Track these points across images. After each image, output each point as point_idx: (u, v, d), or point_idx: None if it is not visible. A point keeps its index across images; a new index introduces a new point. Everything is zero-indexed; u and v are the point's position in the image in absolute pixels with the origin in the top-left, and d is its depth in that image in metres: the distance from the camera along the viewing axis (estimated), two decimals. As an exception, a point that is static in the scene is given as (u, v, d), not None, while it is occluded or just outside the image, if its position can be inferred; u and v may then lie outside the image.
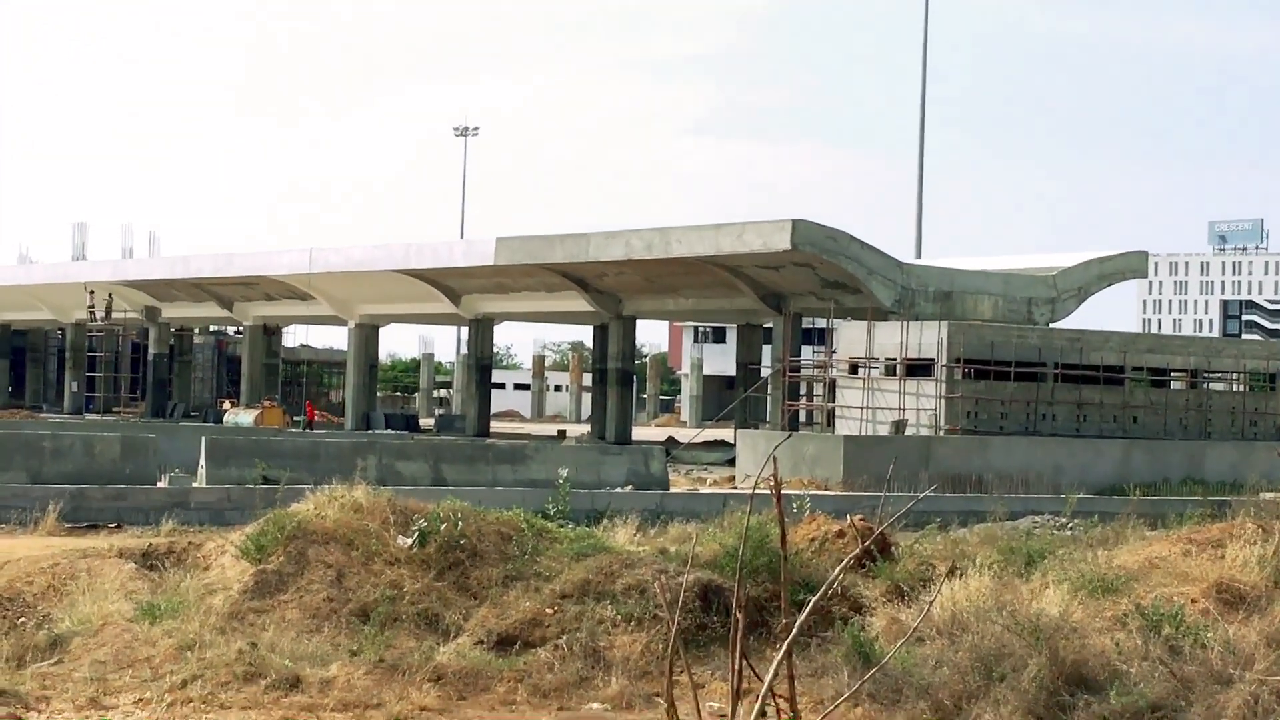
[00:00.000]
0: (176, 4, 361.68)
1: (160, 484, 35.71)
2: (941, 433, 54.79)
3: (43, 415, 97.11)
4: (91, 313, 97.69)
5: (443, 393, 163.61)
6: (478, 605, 19.54)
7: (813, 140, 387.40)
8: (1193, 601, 18.61)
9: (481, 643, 18.53)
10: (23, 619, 19.40)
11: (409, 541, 20.51)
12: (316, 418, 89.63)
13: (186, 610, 19.05)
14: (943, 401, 55.60)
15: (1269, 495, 28.08)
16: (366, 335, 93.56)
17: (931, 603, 17.77)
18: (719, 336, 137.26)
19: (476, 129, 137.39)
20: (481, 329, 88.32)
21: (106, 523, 32.44)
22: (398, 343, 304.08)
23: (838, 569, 8.20)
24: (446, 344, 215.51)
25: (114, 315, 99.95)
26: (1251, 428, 62.77)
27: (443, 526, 20.58)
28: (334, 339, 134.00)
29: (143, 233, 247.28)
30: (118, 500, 33.69)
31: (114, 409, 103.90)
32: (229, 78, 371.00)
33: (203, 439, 38.82)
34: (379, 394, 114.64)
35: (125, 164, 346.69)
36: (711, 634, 18.67)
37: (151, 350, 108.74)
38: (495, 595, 19.62)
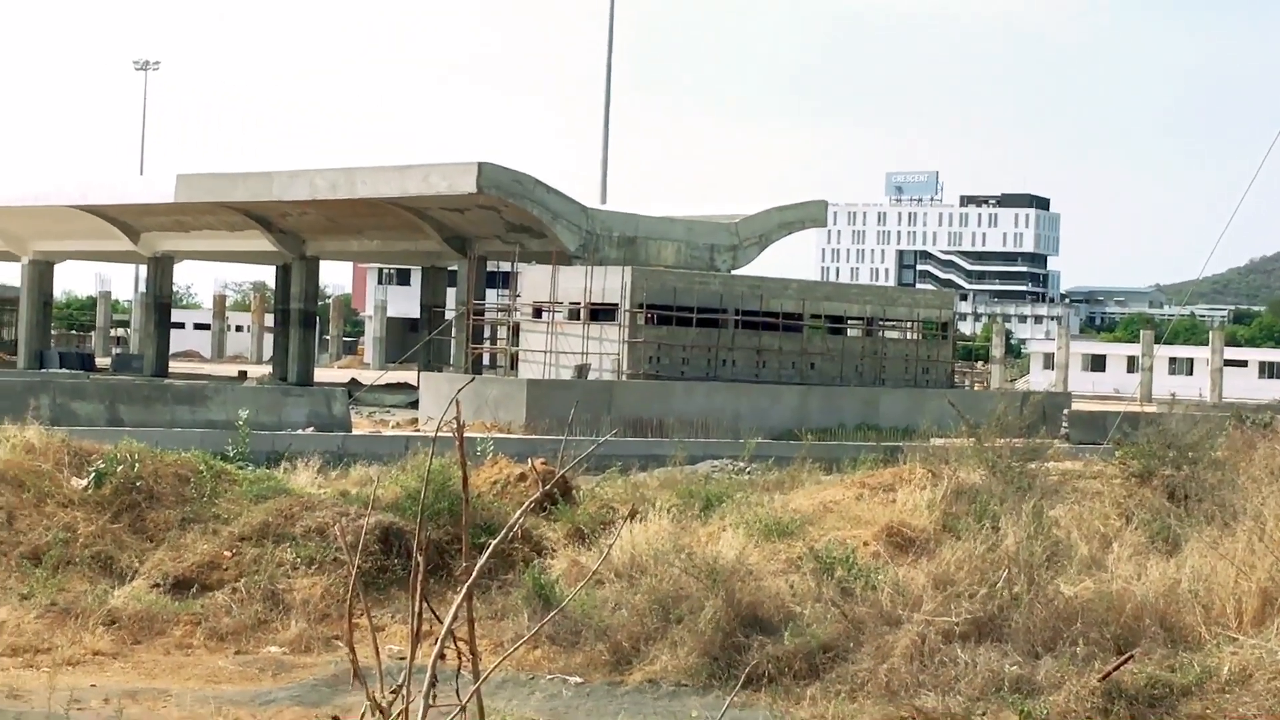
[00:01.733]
0: None
1: None
2: (624, 378, 55.27)
3: None
4: None
5: (120, 332, 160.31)
6: (154, 548, 19.26)
7: (500, 85, 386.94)
8: (865, 545, 19.09)
9: (158, 586, 18.29)
10: None
11: (84, 483, 20.12)
12: None
13: None
14: (625, 346, 56.07)
15: (939, 441, 28.85)
16: (40, 271, 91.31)
17: (611, 546, 17.97)
18: (403, 279, 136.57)
19: (158, 63, 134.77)
20: (161, 267, 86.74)
21: None
22: (74, 280, 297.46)
23: (519, 512, 8.27)
24: (125, 282, 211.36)
25: None
26: (924, 375, 64.36)
27: (119, 468, 20.22)
28: (7, 275, 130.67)
29: None
30: None
31: None
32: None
33: None
34: (53, 332, 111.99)
35: None
36: (392, 577, 18.65)
37: None
38: (172, 538, 19.36)
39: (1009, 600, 16.19)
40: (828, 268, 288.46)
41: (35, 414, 26.55)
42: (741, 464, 33.87)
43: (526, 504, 8.72)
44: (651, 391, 53.17)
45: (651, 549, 18.16)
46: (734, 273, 67.35)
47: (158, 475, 20.49)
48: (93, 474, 20.21)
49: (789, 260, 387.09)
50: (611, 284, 56.64)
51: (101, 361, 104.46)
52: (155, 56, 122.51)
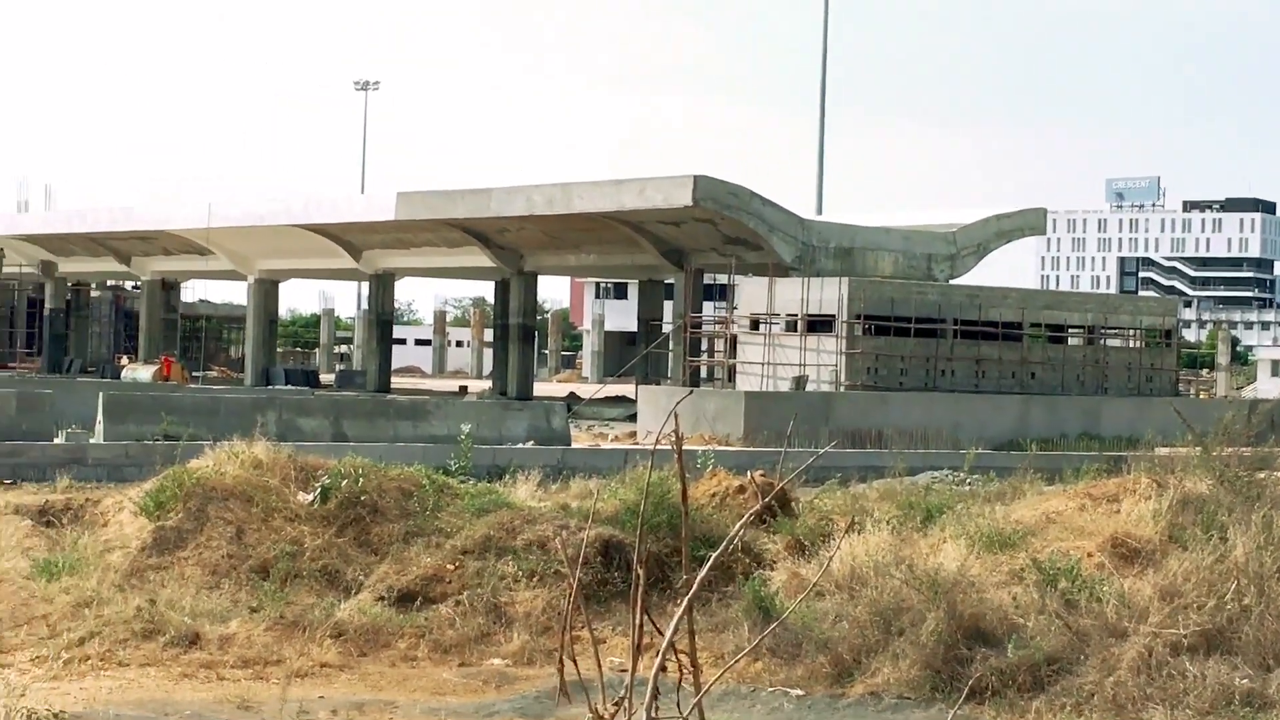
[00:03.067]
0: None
1: (57, 440, 35.37)
2: (842, 389, 55.04)
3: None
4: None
5: (343, 348, 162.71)
6: (379, 561, 19.50)
7: (715, 96, 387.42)
8: (1089, 556, 18.80)
9: (382, 599, 18.51)
10: (-83, 576, 19.22)
11: (310, 498, 20.43)
12: (182, 376, 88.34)
13: (84, 567, 18.92)
14: (843, 358, 55.85)
15: (1164, 450, 28.31)
16: (266, 290, 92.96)
17: (831, 558, 17.87)
18: (621, 292, 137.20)
19: (377, 83, 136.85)
20: (382, 284, 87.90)
21: (2, 479, 32.13)
22: (298, 298, 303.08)
23: (738, 524, 8.22)
24: (347, 299, 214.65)
25: (9, 270, 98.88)
26: (1147, 383, 63.36)
27: (344, 483, 20.51)
28: (233, 294, 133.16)
29: (38, 186, 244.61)
30: (13, 456, 33.36)
31: (9, 364, 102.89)
32: (129, 26, 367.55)
33: (100, 395, 38.48)
34: (279, 350, 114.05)
35: (19, 116, 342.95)
36: (612, 589, 18.72)
37: (48, 305, 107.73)
38: (396, 551, 19.59)
39: (1238, 612, 15.86)
40: (1047, 276, 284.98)
41: (262, 430, 27.00)
42: (961, 475, 33.55)
43: (746, 516, 8.71)
44: (870, 402, 52.88)
45: (872, 561, 18.04)
46: (952, 282, 66.80)
47: (381, 490, 20.74)
48: (319, 489, 20.52)
49: (1007, 269, 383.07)
50: (829, 295, 56.45)
51: (325, 378, 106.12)
52: (375, 77, 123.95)
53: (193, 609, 17.67)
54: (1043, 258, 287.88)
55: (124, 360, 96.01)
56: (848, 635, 16.60)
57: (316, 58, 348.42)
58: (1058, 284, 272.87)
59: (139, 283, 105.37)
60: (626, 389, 78.73)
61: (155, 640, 16.82)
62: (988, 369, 58.90)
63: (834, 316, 56.28)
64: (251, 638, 17.09)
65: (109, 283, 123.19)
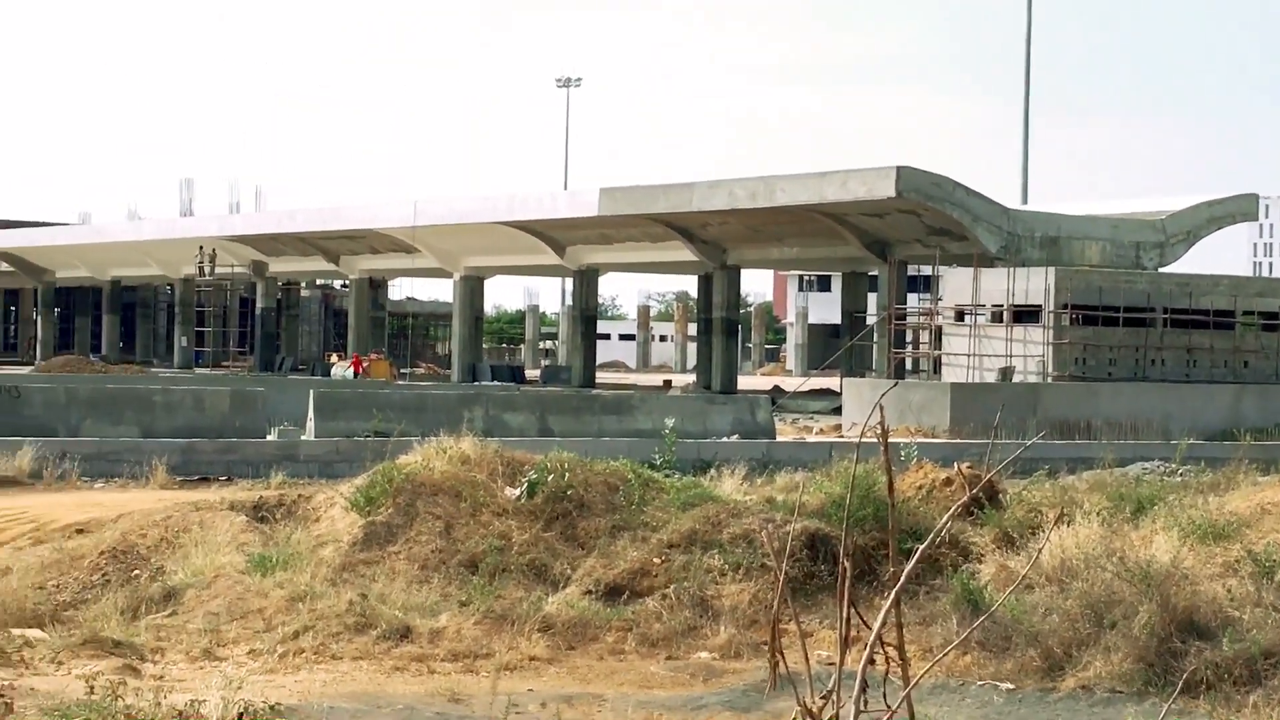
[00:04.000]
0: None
1: (269, 437, 36.01)
2: (1049, 379, 54.44)
3: (153, 370, 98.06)
4: (200, 267, 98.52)
5: (548, 344, 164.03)
6: (585, 555, 19.60)
7: (916, 86, 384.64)
8: (1306, 547, 18.42)
9: (590, 593, 18.61)
10: (137, 571, 19.64)
11: (517, 493, 20.60)
12: (390, 373, 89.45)
13: (297, 562, 19.22)
14: (1050, 348, 55.24)
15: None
16: (472, 287, 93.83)
17: (1041, 550, 17.68)
18: (824, 285, 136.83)
19: (579, 80, 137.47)
20: (586, 280, 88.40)
21: (216, 476, 32.78)
22: (503, 294, 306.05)
23: (946, 516, 8.17)
24: (551, 295, 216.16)
25: (222, 270, 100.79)
26: (1365, 372, 61.91)
27: (550, 478, 20.64)
28: (439, 291, 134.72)
29: (249, 187, 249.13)
30: (227, 453, 34.03)
31: (223, 363, 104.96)
32: (332, 29, 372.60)
33: (311, 392, 39.11)
34: (485, 346, 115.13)
35: (231, 118, 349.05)
36: (819, 583, 18.67)
37: (259, 304, 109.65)
38: (603, 545, 19.67)
39: None
40: (1259, 263, 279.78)
41: (469, 426, 27.28)
42: (1173, 466, 33.05)
43: (954, 508, 8.64)
44: (1077, 393, 52.26)
45: (1082, 553, 17.81)
46: (1161, 270, 65.76)
47: (587, 484, 20.84)
48: (525, 484, 20.67)
49: (1218, 256, 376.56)
50: (1035, 285, 55.84)
51: (531, 373, 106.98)
52: (577, 74, 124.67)
53: (403, 603, 17.88)
54: (1255, 244, 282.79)
55: (333, 358, 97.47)
56: (1058, 628, 16.41)
57: (519, 55, 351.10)
58: (1270, 271, 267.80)
59: (347, 281, 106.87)
60: (831, 382, 78.57)
61: (367, 634, 17.05)
62: (1199, 358, 57.91)
63: (1040, 307, 55.69)
64: (461, 631, 17.26)
65: (318, 281, 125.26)
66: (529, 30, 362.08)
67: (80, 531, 23.16)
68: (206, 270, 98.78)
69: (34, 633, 17.10)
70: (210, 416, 36.59)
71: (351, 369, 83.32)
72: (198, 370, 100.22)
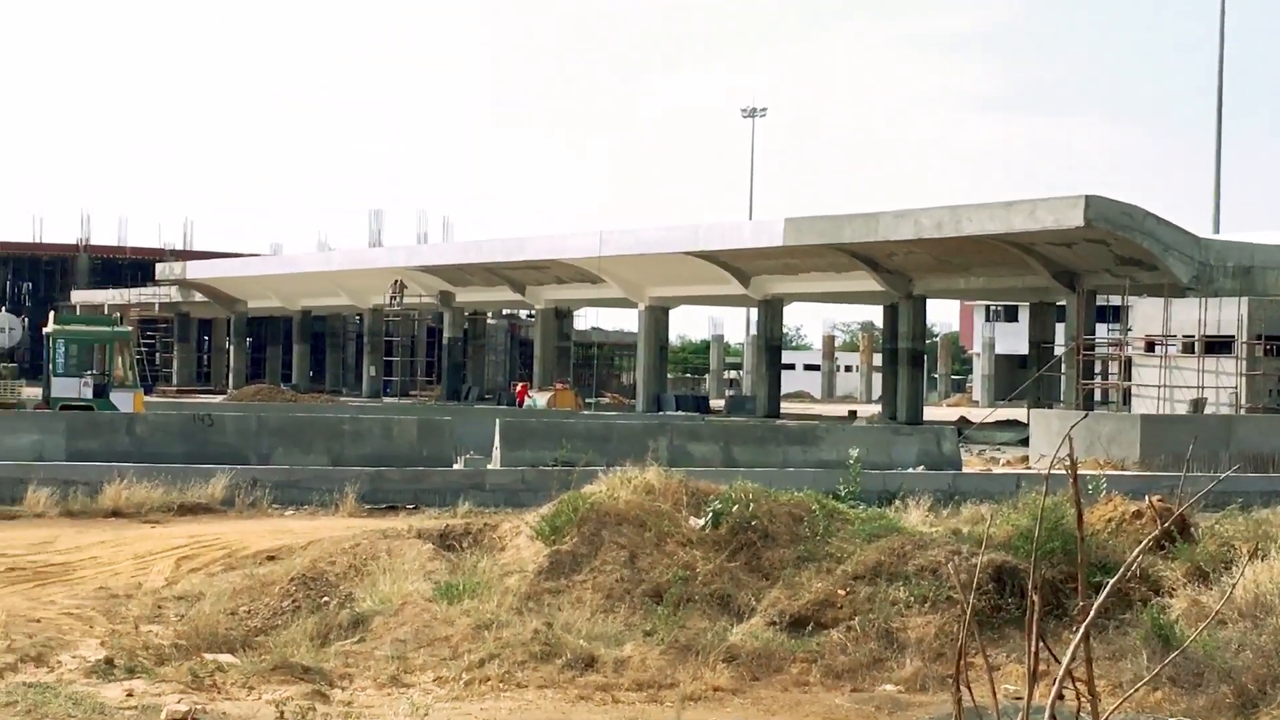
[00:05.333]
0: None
1: (456, 466, 36.29)
2: (1242, 411, 53.54)
3: (342, 399, 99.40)
4: (392, 298, 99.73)
5: (732, 374, 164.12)
6: (770, 586, 19.55)
7: (1102, 114, 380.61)
8: None
9: (774, 624, 18.55)
10: (326, 598, 19.88)
11: (701, 522, 20.60)
12: (575, 403, 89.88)
13: (483, 590, 19.35)
14: (1243, 379, 54.35)
15: None
16: (656, 317, 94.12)
17: (1235, 585, 17.38)
18: (1011, 315, 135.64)
19: (764, 110, 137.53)
20: (771, 310, 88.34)
21: (404, 504, 33.10)
22: (687, 324, 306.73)
23: (1136, 550, 8.05)
24: (736, 325, 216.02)
25: (410, 300, 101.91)
26: None
27: (734, 508, 20.62)
28: (625, 321, 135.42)
29: (437, 217, 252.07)
30: (415, 482, 34.35)
31: (410, 392, 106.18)
32: (516, 63, 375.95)
33: (497, 421, 39.36)
34: (669, 376, 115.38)
35: (419, 152, 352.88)
36: (1006, 616, 18.47)
37: (446, 334, 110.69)
38: (787, 576, 19.61)
39: None
40: None
41: (654, 455, 27.34)
42: (1371, 500, 32.33)
43: (1145, 542, 8.52)
44: (1272, 425, 51.28)
45: (1276, 588, 17.49)
46: (1358, 300, 64.44)
47: (772, 514, 20.80)
48: (710, 514, 20.67)
49: None
50: (1227, 315, 55.03)
51: (715, 403, 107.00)
52: (762, 103, 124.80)
53: (588, 632, 17.94)
54: None
55: (520, 387, 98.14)
56: (1251, 664, 16.12)
57: (704, 85, 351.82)
58: None
59: (533, 311, 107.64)
60: (1018, 413, 77.76)
61: (552, 662, 17.11)
62: (1396, 389, 56.71)
63: (1233, 337, 54.86)
64: (646, 661, 17.28)
65: (504, 311, 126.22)
66: (714, 61, 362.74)
67: (271, 558, 23.51)
68: (395, 300, 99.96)
69: (226, 657, 17.35)
70: (398, 445, 36.93)
71: (546, 399, 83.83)
72: (386, 399, 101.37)
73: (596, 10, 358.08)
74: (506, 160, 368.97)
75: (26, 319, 51.88)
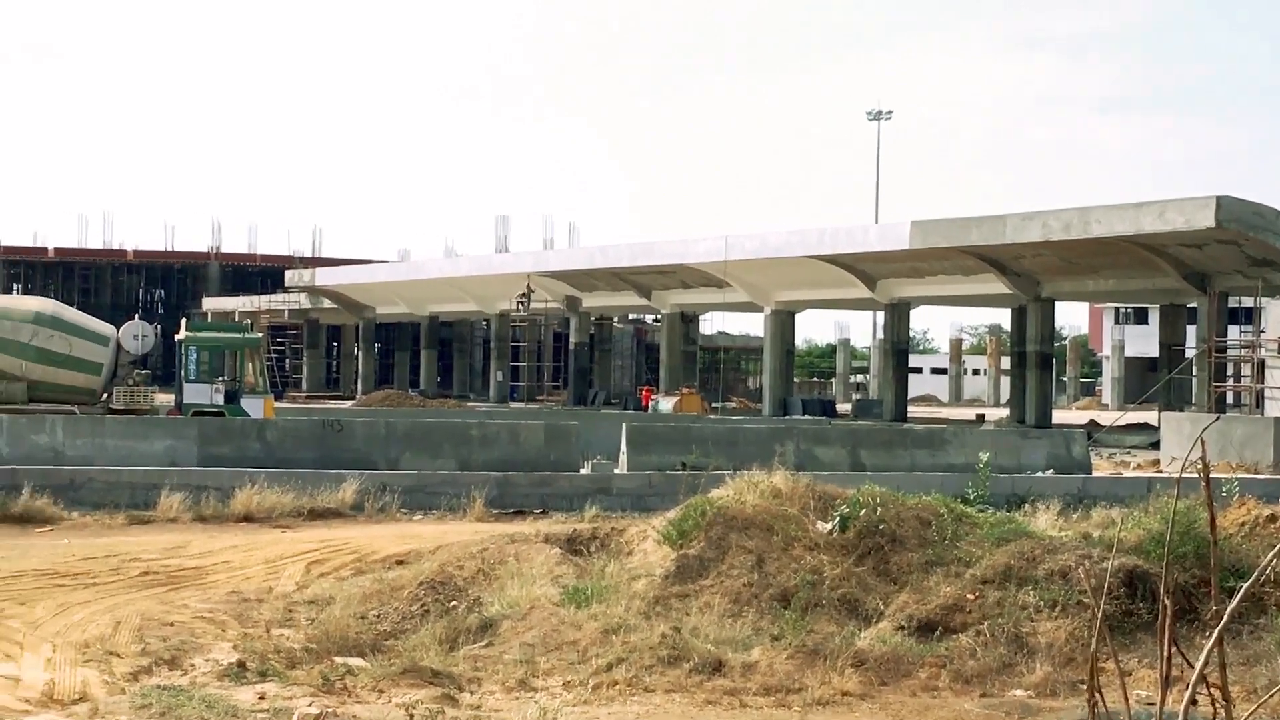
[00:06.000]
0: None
1: (583, 470, 36.39)
2: (1378, 413, 52.78)
3: (470, 404, 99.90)
4: (518, 304, 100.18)
5: (859, 378, 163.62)
6: (898, 591, 19.47)
7: (1229, 113, 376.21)
8: None
9: (902, 628, 18.47)
10: (454, 602, 19.98)
11: (829, 527, 20.54)
12: (702, 407, 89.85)
13: (611, 594, 19.38)
14: (1379, 381, 53.57)
15: None
16: (782, 321, 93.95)
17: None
18: (1140, 317, 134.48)
19: (890, 112, 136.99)
20: (897, 313, 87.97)
21: (531, 508, 33.26)
22: (814, 328, 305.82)
23: (1270, 554, 7.96)
24: (862, 329, 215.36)
25: (537, 305, 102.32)
26: None
27: (862, 512, 20.55)
28: (751, 325, 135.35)
29: (563, 224, 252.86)
30: (542, 486, 34.51)
31: (537, 397, 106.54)
32: (640, 68, 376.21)
33: (624, 426, 39.43)
34: (796, 380, 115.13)
35: (546, 156, 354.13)
36: (1137, 621, 18.29)
37: (572, 339, 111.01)
38: (915, 581, 19.52)
39: None
40: None
41: (781, 459, 27.31)
42: None
43: (1279, 546, 8.40)
44: None
45: None
46: None
47: (900, 519, 20.72)
48: (838, 518, 20.61)
49: None
50: (1361, 316, 54.27)
51: (842, 407, 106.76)
52: (888, 106, 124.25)
53: (716, 636, 17.93)
54: None
55: (647, 391, 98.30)
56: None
57: (829, 88, 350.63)
58: None
59: (659, 316, 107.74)
60: (1148, 416, 77.07)
61: (680, 667, 17.11)
62: None
63: (1368, 339, 54.09)
64: (773, 666, 17.24)
65: (630, 316, 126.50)
66: (839, 63, 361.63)
67: (400, 563, 23.68)
68: (522, 305, 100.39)
69: (356, 661, 17.49)
70: (525, 450, 37.09)
71: (672, 404, 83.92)
72: (512, 404, 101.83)
73: (721, 13, 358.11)
74: (631, 164, 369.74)
75: (159, 326, 52.40)
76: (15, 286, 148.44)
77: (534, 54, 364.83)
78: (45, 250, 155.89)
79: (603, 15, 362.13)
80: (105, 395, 46.96)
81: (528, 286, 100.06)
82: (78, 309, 53.95)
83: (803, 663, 17.37)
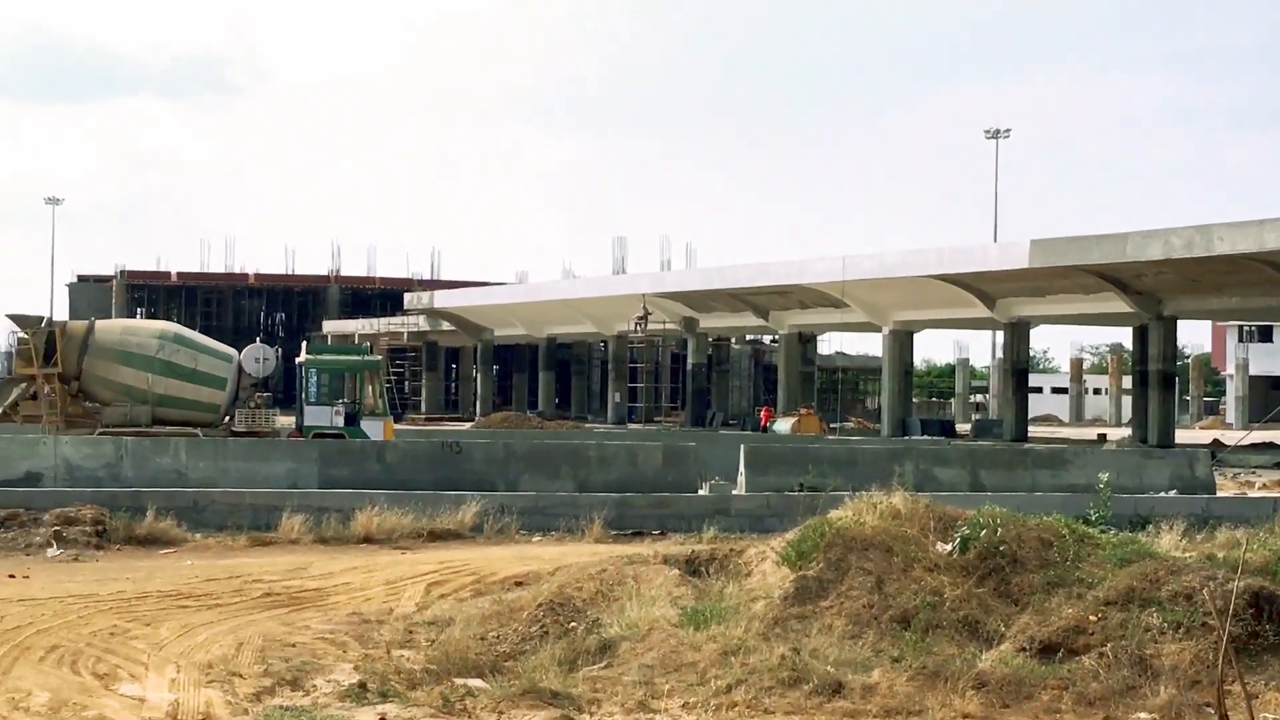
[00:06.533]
0: (694, 20, 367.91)
1: (701, 491, 36.37)
2: None
3: (588, 425, 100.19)
4: (636, 325, 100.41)
5: (978, 397, 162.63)
6: (1019, 612, 19.31)
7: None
8: None
9: (1024, 650, 18.31)
10: (573, 623, 20.00)
11: (949, 548, 20.41)
12: (819, 428, 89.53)
13: (730, 616, 19.35)
14: None
15: None
16: (901, 341, 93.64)
17: None
18: (1265, 335, 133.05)
19: (1008, 131, 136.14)
20: (1017, 332, 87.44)
21: (649, 530, 33.25)
22: (932, 348, 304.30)
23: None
24: (981, 348, 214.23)
25: (654, 326, 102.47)
26: None
27: (983, 533, 20.41)
28: (869, 345, 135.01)
29: (680, 245, 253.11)
30: (660, 508, 34.50)
31: (655, 418, 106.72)
32: (759, 88, 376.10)
33: (742, 447, 39.37)
34: (914, 400, 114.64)
35: (662, 178, 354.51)
36: (1263, 643, 18.04)
37: (690, 360, 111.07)
38: (1037, 602, 19.36)
39: None
40: None
41: (900, 480, 27.16)
42: None
43: None
44: None
45: None
46: None
47: (1020, 539, 20.55)
48: (958, 539, 20.48)
49: None
50: None
51: (961, 427, 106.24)
52: (1006, 125, 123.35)
53: (835, 658, 17.85)
54: None
55: (764, 413, 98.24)
56: None
57: (946, 107, 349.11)
58: None
59: (776, 336, 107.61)
60: (1274, 435, 76.25)
61: (799, 688, 17.05)
62: None
63: None
64: (894, 687, 17.14)
65: (747, 337, 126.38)
66: (956, 83, 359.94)
67: (519, 584, 23.74)
68: (639, 327, 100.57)
69: (475, 682, 17.53)
70: (643, 471, 37.09)
71: (790, 424, 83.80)
72: (630, 425, 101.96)
73: (837, 34, 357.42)
74: (748, 185, 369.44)
75: (279, 349, 52.91)
76: (139, 311, 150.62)
77: (652, 77, 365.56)
78: (168, 275, 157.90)
79: (719, 38, 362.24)
80: (227, 418, 47.39)
81: (644, 308, 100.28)
82: (200, 332, 54.50)
83: (923, 684, 17.26)
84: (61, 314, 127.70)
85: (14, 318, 48.75)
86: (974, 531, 20.48)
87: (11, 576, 25.69)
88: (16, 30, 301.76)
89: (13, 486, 33.87)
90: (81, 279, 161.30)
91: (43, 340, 46.16)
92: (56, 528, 30.46)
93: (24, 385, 46.77)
